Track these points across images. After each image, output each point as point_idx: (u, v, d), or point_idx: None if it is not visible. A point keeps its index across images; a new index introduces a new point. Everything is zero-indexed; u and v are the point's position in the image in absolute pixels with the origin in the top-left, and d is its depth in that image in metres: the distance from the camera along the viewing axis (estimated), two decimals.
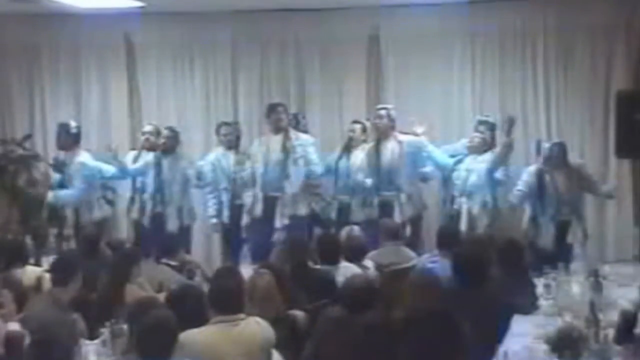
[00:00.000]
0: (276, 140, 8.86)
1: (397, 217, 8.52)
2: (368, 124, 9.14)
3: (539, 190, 8.35)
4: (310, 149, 8.88)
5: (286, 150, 8.76)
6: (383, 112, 8.86)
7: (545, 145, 8.62)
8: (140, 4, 9.38)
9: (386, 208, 8.63)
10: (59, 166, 9.15)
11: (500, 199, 8.69)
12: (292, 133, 8.92)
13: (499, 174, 8.64)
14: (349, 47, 9.98)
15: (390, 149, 8.73)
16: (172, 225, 8.98)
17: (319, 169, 8.90)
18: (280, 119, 8.87)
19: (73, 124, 9.28)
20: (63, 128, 9.21)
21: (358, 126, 9.10)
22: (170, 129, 9.32)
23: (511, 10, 9.66)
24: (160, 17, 10.07)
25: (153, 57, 10.42)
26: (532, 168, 8.55)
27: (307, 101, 10.11)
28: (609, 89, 9.25)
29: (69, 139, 9.14)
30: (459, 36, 9.82)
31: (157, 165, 9.05)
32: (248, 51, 10.24)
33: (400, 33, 9.81)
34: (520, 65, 9.72)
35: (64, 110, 10.39)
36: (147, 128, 9.41)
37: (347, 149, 9.05)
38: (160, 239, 7.82)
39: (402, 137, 8.76)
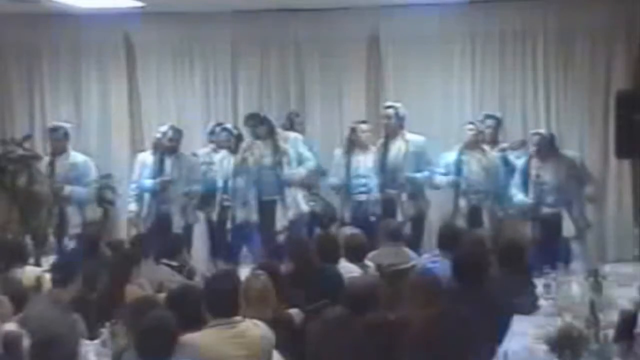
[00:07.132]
0: (267, 145, 8.72)
1: (399, 216, 8.51)
2: (367, 126, 9.07)
3: (521, 177, 8.42)
4: (299, 145, 8.75)
5: (278, 154, 8.64)
6: (391, 111, 8.71)
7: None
8: (140, 4, 9.38)
9: (389, 206, 8.61)
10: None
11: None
12: (280, 135, 8.78)
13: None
14: (349, 47, 10.00)
15: (397, 147, 8.67)
16: (177, 224, 8.82)
17: (311, 164, 8.77)
18: (255, 130, 8.74)
19: (67, 125, 9.12)
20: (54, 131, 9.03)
21: (366, 126, 8.87)
22: (174, 128, 9.07)
23: (511, 10, 9.68)
24: (160, 17, 10.07)
25: (153, 57, 10.43)
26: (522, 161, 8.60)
27: (307, 101, 10.13)
28: (609, 89, 9.27)
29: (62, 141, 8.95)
30: (459, 36, 9.84)
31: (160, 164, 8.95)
32: (248, 51, 10.26)
33: (400, 33, 9.82)
34: (520, 65, 9.74)
35: (64, 110, 10.41)
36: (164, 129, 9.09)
37: (349, 150, 8.91)
38: (163, 240, 7.78)
39: (409, 136, 8.72)
